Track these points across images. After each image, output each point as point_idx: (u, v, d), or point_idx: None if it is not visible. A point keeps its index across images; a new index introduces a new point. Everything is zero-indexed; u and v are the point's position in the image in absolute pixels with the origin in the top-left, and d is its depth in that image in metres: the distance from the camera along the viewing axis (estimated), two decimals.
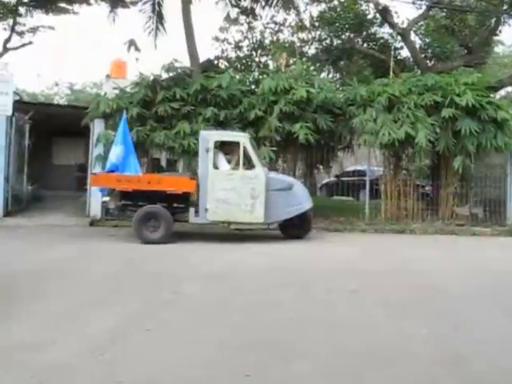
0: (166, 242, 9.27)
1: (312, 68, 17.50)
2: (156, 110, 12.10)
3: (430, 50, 17.60)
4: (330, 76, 18.36)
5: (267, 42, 19.48)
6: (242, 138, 9.88)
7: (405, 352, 4.17)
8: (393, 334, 4.63)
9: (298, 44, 18.63)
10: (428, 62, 17.11)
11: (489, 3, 16.13)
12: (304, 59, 17.55)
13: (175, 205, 9.73)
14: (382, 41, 17.85)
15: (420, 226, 12.24)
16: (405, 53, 17.27)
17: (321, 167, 14.46)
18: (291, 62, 15.26)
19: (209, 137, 9.75)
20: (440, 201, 12.79)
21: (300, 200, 10.12)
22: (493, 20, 16.72)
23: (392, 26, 16.08)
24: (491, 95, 12.96)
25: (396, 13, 16.53)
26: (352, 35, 17.81)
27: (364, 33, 17.92)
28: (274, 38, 19.55)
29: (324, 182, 22.34)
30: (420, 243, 10.63)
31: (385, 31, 17.87)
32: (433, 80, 12.45)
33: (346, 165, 21.09)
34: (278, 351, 4.09)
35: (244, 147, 9.69)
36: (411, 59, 16.87)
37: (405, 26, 16.20)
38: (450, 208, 12.80)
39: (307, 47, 18.98)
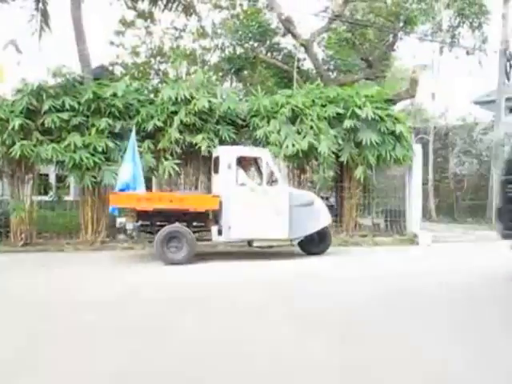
0: (189, 262, 8.99)
1: (214, 77, 17.13)
2: (42, 121, 11.01)
3: (332, 63, 17.89)
4: (233, 86, 18.03)
5: (167, 48, 18.78)
6: (265, 154, 9.90)
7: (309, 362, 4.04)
8: (298, 346, 4.38)
9: (200, 52, 18.18)
10: (330, 73, 17.36)
11: (386, 19, 16.62)
12: (206, 68, 17.13)
13: (196, 223, 9.59)
14: (285, 51, 17.85)
15: None
16: (308, 64, 17.38)
17: None
18: (192, 70, 14.74)
19: (231, 152, 9.63)
20: (344, 212, 12.81)
21: (321, 215, 10.10)
22: (390, 36, 17.28)
23: (295, 36, 16.10)
24: (390, 108, 13.24)
25: (299, 23, 16.59)
26: (255, 44, 17.63)
27: (267, 42, 17.81)
28: (174, 44, 18.88)
29: None
30: (329, 254, 10.48)
31: (288, 42, 17.87)
32: (335, 92, 12.51)
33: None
34: None
35: (267, 162, 9.63)
36: (314, 70, 17.00)
37: (308, 37, 16.27)
38: (354, 219, 12.88)
39: (209, 55, 18.61)
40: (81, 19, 12.97)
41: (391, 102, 14.43)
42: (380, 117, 12.12)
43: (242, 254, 10.32)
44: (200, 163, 12.19)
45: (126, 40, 18.60)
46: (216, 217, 9.57)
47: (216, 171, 10.02)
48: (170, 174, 11.32)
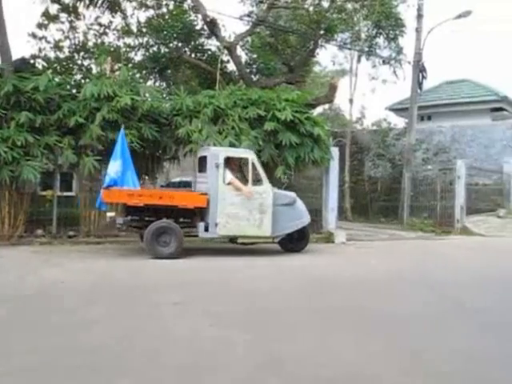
0: (177, 257, 9.34)
1: (138, 75, 17.04)
2: None
3: (254, 66, 18.25)
4: (157, 84, 18.00)
5: (91, 44, 18.46)
6: (251, 155, 10.30)
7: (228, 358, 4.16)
8: (217, 343, 4.55)
9: (124, 49, 18.00)
10: (253, 76, 17.73)
11: (308, 27, 17.22)
12: (130, 65, 16.98)
13: (183, 220, 9.83)
14: (209, 53, 18.03)
15: None
16: (231, 66, 17.68)
17: (146, 178, 13.95)
18: (116, 67, 14.62)
19: (218, 153, 10.02)
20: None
21: (302, 215, 10.60)
22: (312, 42, 17.92)
23: (219, 38, 16.35)
24: (309, 112, 13.78)
25: (223, 26, 16.86)
26: (180, 44, 17.70)
27: (192, 43, 17.92)
28: (99, 40, 18.60)
29: None
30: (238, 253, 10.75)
31: (212, 43, 18.10)
32: (257, 95, 12.85)
33: (172, 175, 20.86)
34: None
35: (253, 163, 10.04)
36: (237, 73, 17.31)
37: (232, 40, 16.58)
38: None
39: (133, 53, 18.43)
40: (1, 10, 12.59)
41: (311, 106, 15.00)
42: (299, 120, 12.54)
43: (220, 250, 10.79)
44: None
45: (49, 34, 18.12)
46: (202, 214, 9.90)
47: (201, 170, 10.52)
48: (89, 171, 11.24)
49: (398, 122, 23.87)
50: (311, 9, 17.51)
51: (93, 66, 17.23)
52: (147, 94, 12.30)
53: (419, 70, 18.93)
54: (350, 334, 4.94)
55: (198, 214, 9.94)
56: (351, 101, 20.82)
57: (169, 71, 18.31)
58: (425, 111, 22.81)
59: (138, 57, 18.35)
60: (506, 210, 18.34)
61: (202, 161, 10.45)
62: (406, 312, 5.84)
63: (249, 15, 17.32)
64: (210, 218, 9.75)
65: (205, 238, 10.38)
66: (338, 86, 17.48)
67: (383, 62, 20.10)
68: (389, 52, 19.77)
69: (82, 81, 13.09)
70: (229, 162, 10.14)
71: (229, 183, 9.86)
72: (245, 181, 10.26)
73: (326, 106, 23.18)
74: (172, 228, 9.50)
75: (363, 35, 19.55)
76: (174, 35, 17.34)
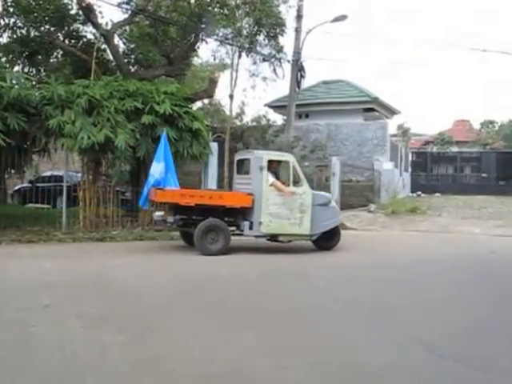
0: (224, 253, 9.82)
1: (4, 59, 15.72)
2: None
3: (133, 56, 17.61)
4: (25, 70, 16.68)
5: None
6: (291, 158, 10.89)
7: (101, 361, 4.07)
8: (90, 346, 4.41)
9: None
10: (131, 67, 17.11)
11: (189, 19, 16.95)
12: None
13: (227, 219, 10.25)
14: (84, 40, 17.02)
15: (121, 233, 12.06)
16: (108, 55, 16.88)
17: (12, 172, 12.95)
18: None
19: (262, 156, 10.55)
20: (140, 207, 12.81)
21: (336, 214, 11.36)
22: (192, 35, 17.67)
23: (95, 25, 15.54)
24: (189, 106, 13.62)
25: (101, 13, 16.00)
26: (52, 29, 16.54)
27: (66, 28, 16.83)
28: None
29: (16, 188, 19.96)
30: (120, 250, 10.38)
31: (88, 30, 17.13)
32: (134, 86, 12.47)
33: (42, 169, 19.58)
34: None
35: (293, 166, 10.53)
36: (114, 62, 16.59)
37: (109, 28, 15.84)
38: (150, 214, 12.95)
39: None
40: None
41: (190, 100, 14.82)
42: (178, 114, 12.39)
43: (258, 247, 11.10)
44: None
45: None
46: (246, 213, 10.40)
47: (240, 172, 11.32)
48: None
49: (277, 118, 24.44)
50: (193, 1, 17.24)
51: None
52: (14, 81, 11.41)
53: (298, 68, 19.42)
54: (227, 330, 4.97)
55: (242, 214, 10.43)
56: (231, 96, 20.90)
57: (39, 57, 16.99)
58: (303, 109, 23.52)
59: (3, 39, 16.85)
60: (376, 205, 19.49)
61: (243, 163, 11.26)
62: (280, 308, 5.96)
63: (128, 3, 16.60)
64: (254, 217, 10.29)
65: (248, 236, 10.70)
66: (218, 81, 17.48)
67: (263, 59, 20.38)
68: (269, 50, 20.07)
69: None
70: (272, 164, 10.62)
71: (271, 184, 10.37)
72: (282, 182, 10.67)
73: (206, 100, 23.07)
74: (220, 226, 10.03)
75: (245, 32, 19.65)
76: (46, 18, 16.14)
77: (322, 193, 11.82)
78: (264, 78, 21.24)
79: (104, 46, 16.36)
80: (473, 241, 13.54)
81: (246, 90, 21.88)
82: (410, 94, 79.22)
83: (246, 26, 19.74)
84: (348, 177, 19.70)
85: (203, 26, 17.27)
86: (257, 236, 10.63)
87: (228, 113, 21.74)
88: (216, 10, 17.64)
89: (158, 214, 10.85)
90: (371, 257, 10.65)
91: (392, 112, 27.78)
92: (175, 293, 6.72)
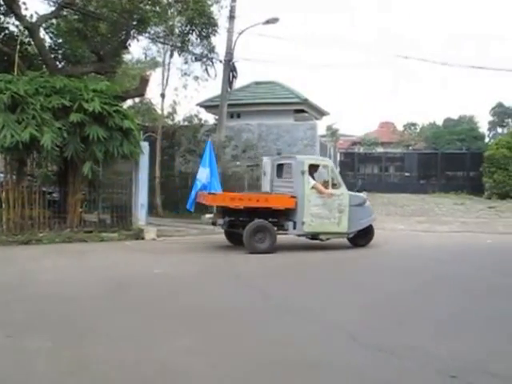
0: (271, 252, 10.59)
1: None
2: None
3: (60, 52, 17.00)
4: None
5: None
6: (330, 163, 12.20)
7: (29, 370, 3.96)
8: (17, 355, 4.27)
9: None
10: (58, 63, 16.51)
11: (120, 15, 16.57)
12: None
13: (274, 219, 11.04)
14: (7, 32, 16.24)
15: (48, 235, 11.65)
16: (33, 49, 16.20)
17: None
18: None
19: (304, 161, 11.46)
20: (68, 208, 12.44)
21: (370, 213, 12.19)
22: (123, 32, 17.29)
23: (19, 17, 14.86)
24: (119, 104, 13.34)
25: (24, 4, 15.30)
26: None
27: None
28: None
29: None
30: (47, 253, 10.03)
31: (11, 22, 16.35)
32: (62, 83, 12.08)
33: None
34: None
35: (332, 169, 11.60)
36: (40, 57, 15.95)
37: (34, 20, 15.20)
38: (79, 215, 12.62)
39: None
40: None
41: (121, 98, 14.51)
42: (108, 112, 12.11)
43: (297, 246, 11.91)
44: None
45: None
46: (289, 214, 11.17)
47: (280, 176, 12.27)
48: None
49: (209, 118, 24.34)
50: None
51: None
52: None
53: (230, 69, 19.45)
54: (157, 331, 4.99)
55: (285, 214, 11.18)
56: (163, 95, 20.57)
57: None
58: (234, 109, 23.58)
59: None
60: None
61: (284, 167, 12.18)
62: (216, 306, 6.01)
63: None
64: (297, 218, 11.09)
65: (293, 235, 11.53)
66: (150, 80, 17.20)
67: (196, 58, 20.26)
68: (201, 49, 19.98)
69: None
70: (311, 168, 11.43)
71: (312, 187, 11.18)
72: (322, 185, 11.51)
73: (137, 99, 22.62)
74: (267, 227, 10.83)
75: (177, 30, 19.45)
76: None
77: (358, 194, 12.59)
78: (196, 78, 21.06)
79: (28, 40, 15.69)
80: (397, 237, 14.14)
81: (178, 89, 21.55)
82: (339, 97, 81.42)
83: (179, 24, 19.54)
84: None
85: (134, 22, 16.95)
86: (299, 235, 11.51)
87: (159, 112, 21.40)
88: (148, 7, 17.36)
89: (208, 216, 11.72)
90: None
91: (321, 113, 28.43)
92: (104, 294, 6.63)
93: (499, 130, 51.42)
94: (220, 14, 19.55)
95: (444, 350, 4.65)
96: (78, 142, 11.78)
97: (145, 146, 14.04)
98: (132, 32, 17.41)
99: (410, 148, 40.70)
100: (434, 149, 38.64)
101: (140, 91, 16.44)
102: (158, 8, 17.68)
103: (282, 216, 11.24)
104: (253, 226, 10.72)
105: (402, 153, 36.37)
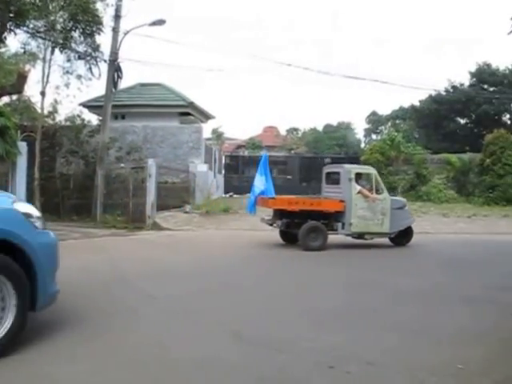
0: (323, 249, 12.02)
1: None
2: None
3: None
4: None
5: None
6: (374, 171, 13.43)
7: None
8: None
9: None
10: None
11: None
12: None
13: (324, 221, 12.39)
14: None
15: None
16: None
17: None
18: None
19: (351, 169, 13.01)
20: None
21: (409, 216, 13.71)
22: None
23: None
24: None
25: None
26: None
27: None
28: None
29: None
30: None
31: None
32: None
33: None
34: None
35: (375, 177, 13.05)
36: None
37: None
38: None
39: None
40: None
41: None
42: None
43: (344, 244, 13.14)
44: None
45: None
46: (337, 216, 12.58)
47: (329, 183, 13.77)
48: None
49: (93, 118, 23.75)
50: None
51: None
52: None
53: (115, 69, 19.18)
54: None
55: (335, 217, 12.57)
56: (43, 93, 19.63)
57: None
58: (119, 110, 23.25)
59: None
60: (191, 206, 20.10)
61: (332, 175, 13.67)
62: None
63: None
64: (345, 219, 12.57)
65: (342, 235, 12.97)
66: (28, 76, 16.50)
67: (79, 57, 19.68)
68: (85, 48, 19.47)
69: None
70: (357, 176, 12.88)
71: (358, 192, 12.64)
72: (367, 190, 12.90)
73: (15, 96, 21.40)
74: (320, 227, 12.22)
75: (59, 26, 18.75)
76: None
77: (399, 198, 14.57)
78: (79, 77, 20.30)
79: None
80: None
81: (60, 87, 20.69)
82: (225, 101, 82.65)
83: (61, 20, 18.89)
84: (164, 178, 20.01)
85: (11, 15, 16.15)
86: (347, 234, 12.94)
87: (39, 111, 20.42)
88: None
89: (267, 218, 13.28)
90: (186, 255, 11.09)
91: (207, 117, 28.87)
92: None
93: (374, 136, 55.43)
94: (105, 12, 19.24)
95: (323, 342, 4.94)
96: None
97: (23, 145, 13.48)
98: (8, 24, 16.57)
99: (293, 152, 42.38)
100: (314, 153, 40.64)
101: (17, 88, 15.75)
102: (37, 1, 17.01)
103: (332, 218, 12.61)
104: (307, 226, 12.11)
105: (285, 156, 37.74)
